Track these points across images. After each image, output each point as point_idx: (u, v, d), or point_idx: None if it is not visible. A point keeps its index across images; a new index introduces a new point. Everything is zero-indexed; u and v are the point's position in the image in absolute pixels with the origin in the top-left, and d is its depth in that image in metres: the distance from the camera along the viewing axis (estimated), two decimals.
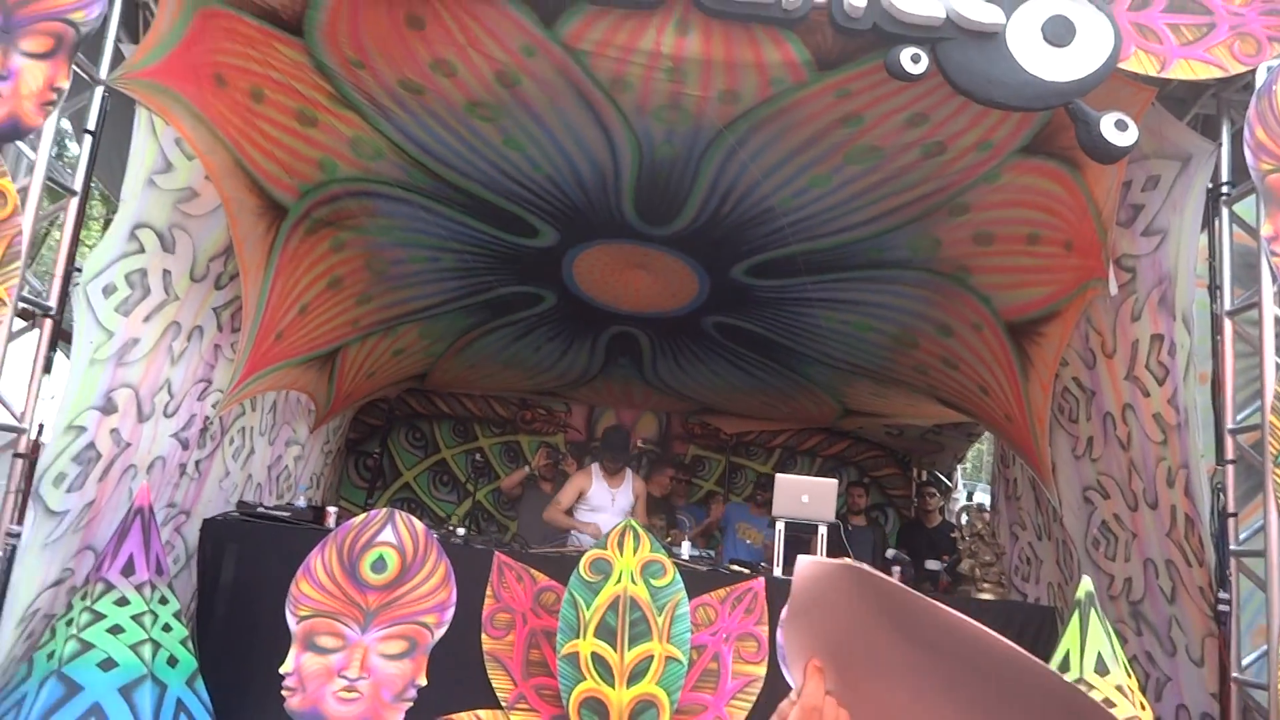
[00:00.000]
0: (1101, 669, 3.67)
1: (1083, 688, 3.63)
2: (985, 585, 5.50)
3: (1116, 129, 3.29)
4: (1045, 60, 3.32)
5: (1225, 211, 3.91)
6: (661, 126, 4.26)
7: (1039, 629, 4.76)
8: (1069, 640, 3.76)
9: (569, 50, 3.81)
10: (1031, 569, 5.96)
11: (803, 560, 0.83)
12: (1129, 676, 3.70)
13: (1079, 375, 4.85)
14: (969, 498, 10.34)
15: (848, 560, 0.83)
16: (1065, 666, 3.76)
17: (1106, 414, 4.63)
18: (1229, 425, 3.79)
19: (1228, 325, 3.86)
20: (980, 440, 8.92)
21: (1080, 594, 3.89)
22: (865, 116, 4.03)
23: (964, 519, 6.38)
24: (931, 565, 6.04)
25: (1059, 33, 3.32)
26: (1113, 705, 3.61)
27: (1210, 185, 3.93)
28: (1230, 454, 3.79)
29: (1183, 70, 3.45)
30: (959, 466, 9.44)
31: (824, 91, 3.88)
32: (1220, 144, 3.90)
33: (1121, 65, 3.38)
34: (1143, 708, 3.65)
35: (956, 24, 3.31)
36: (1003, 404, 5.53)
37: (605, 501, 5.98)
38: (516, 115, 4.31)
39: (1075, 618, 3.76)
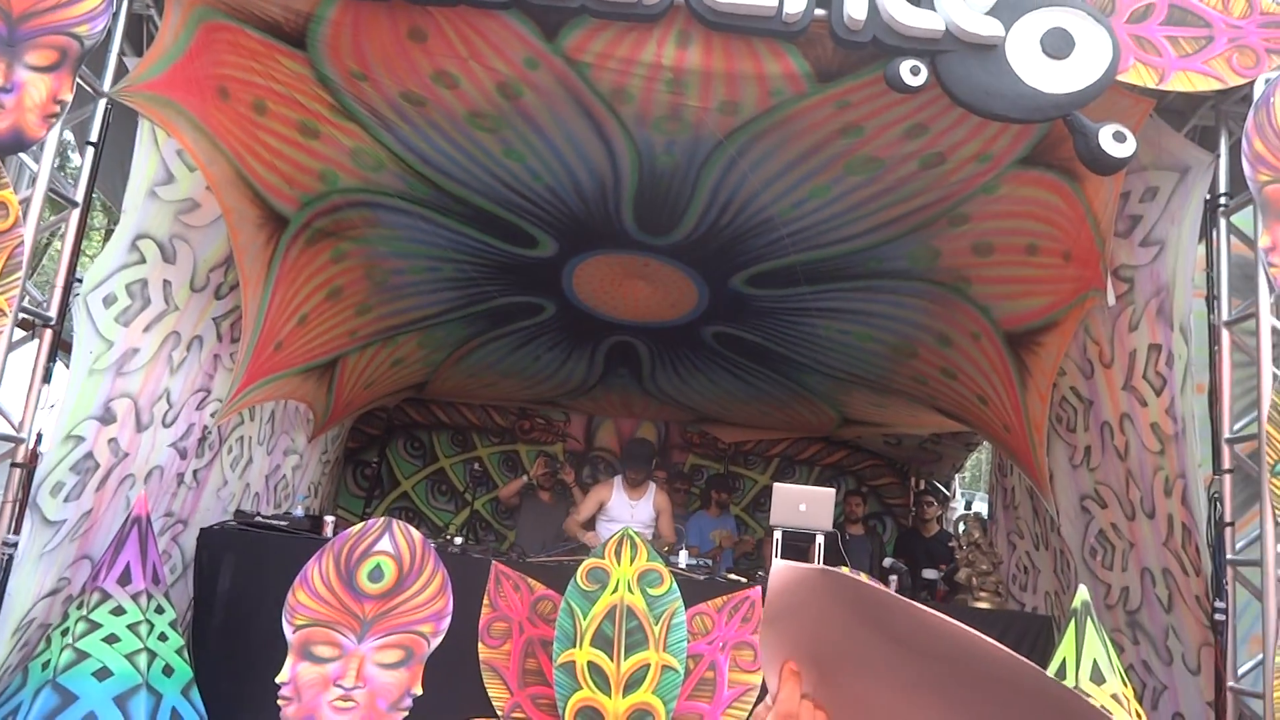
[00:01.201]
0: (1097, 677, 3.68)
1: None
2: (982, 594, 5.51)
3: (1115, 140, 3.31)
4: (1044, 72, 3.34)
5: (1223, 222, 3.93)
6: (662, 137, 4.28)
7: (1036, 638, 4.76)
8: (1065, 649, 3.76)
9: (570, 62, 3.83)
10: (1029, 578, 5.97)
11: (777, 565, 0.84)
12: (1125, 685, 3.71)
13: (1077, 385, 4.86)
14: (967, 507, 10.35)
15: (821, 565, 0.84)
16: (1061, 675, 3.76)
17: (1104, 423, 4.64)
18: (1226, 435, 3.81)
19: (1225, 335, 3.87)
20: (978, 450, 8.93)
21: (1076, 603, 3.90)
22: (865, 127, 4.05)
23: (961, 528, 6.40)
24: (929, 574, 6.05)
25: (1058, 45, 3.34)
26: (1109, 714, 3.61)
27: (1208, 196, 3.95)
28: (1227, 463, 3.80)
29: (1181, 82, 3.47)
30: (957, 476, 9.45)
31: (824, 103, 3.91)
32: (1218, 155, 3.91)
33: (1120, 77, 3.40)
34: (1139, 716, 3.66)
35: (956, 36, 3.34)
36: (1001, 414, 5.55)
37: (624, 514, 5.99)
38: (517, 126, 4.33)
39: (1071, 627, 3.77)
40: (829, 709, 0.84)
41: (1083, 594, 3.89)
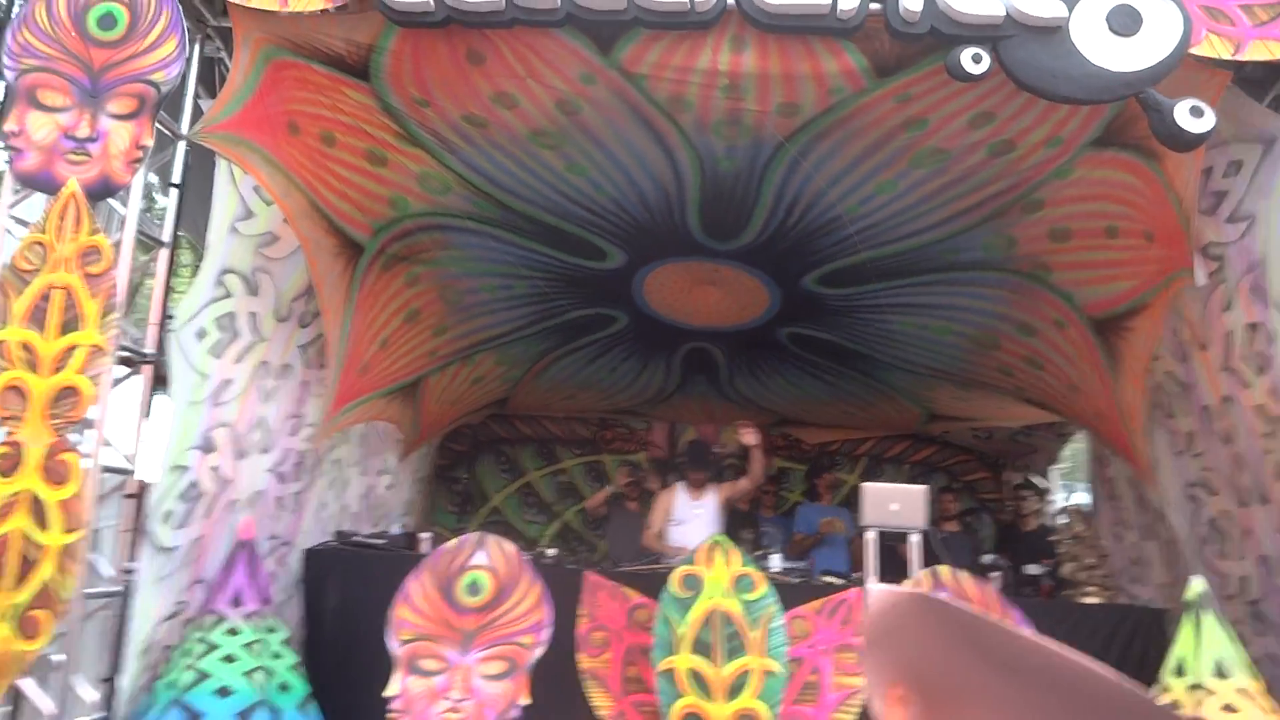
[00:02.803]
0: (1221, 672, 3.53)
1: (1202, 694, 3.50)
2: (1090, 588, 5.32)
3: (1192, 115, 3.17)
4: (1112, 51, 3.22)
5: None
6: (722, 142, 4.27)
7: (1149, 632, 4.58)
8: (1183, 644, 3.62)
9: (627, 75, 3.85)
10: (1140, 570, 5.72)
11: (872, 591, 0.85)
12: (1253, 680, 3.54)
13: (1173, 369, 4.66)
14: (1068, 499, 10.00)
15: (917, 590, 0.83)
16: (1180, 671, 3.62)
17: (1204, 407, 4.44)
18: None
19: None
20: (1075, 440, 8.63)
21: (1190, 595, 3.74)
22: (929, 120, 3.97)
23: (1063, 521, 6.19)
24: (1031, 570, 5.85)
25: (1124, 22, 3.21)
26: (1235, 710, 3.45)
27: None
28: None
29: (1259, 51, 3.30)
30: (1055, 467, 9.15)
31: (884, 98, 3.84)
32: None
33: (1193, 50, 3.25)
34: (1272, 712, 3.48)
35: (1017, 21, 3.24)
36: (1094, 402, 5.35)
37: (688, 515, 5.97)
38: (578, 141, 4.38)
39: (1188, 620, 3.62)
40: None
41: (1197, 585, 3.73)
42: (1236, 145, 3.87)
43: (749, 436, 6.02)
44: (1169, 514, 4.95)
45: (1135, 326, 4.69)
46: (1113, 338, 4.90)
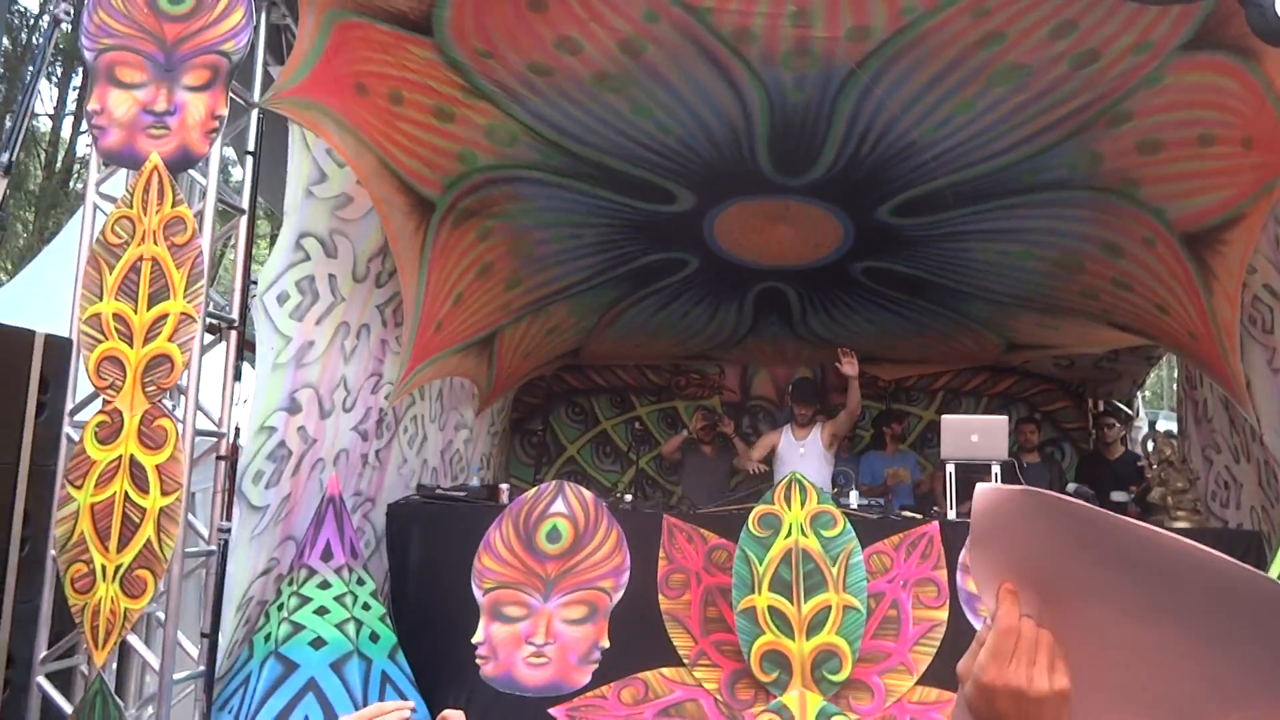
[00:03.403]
0: None
1: None
2: (1180, 513, 5.21)
3: None
4: None
5: None
6: (790, 74, 4.17)
7: (1244, 555, 4.46)
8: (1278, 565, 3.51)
9: (690, 9, 3.77)
10: (1230, 493, 5.57)
11: (980, 488, 0.83)
12: None
13: (1270, 281, 4.47)
14: (1151, 426, 9.75)
15: (1025, 486, 0.81)
16: None
17: None
18: None
19: None
20: (1160, 365, 8.37)
21: None
22: (1007, 34, 3.81)
23: (1151, 446, 6.04)
24: (1118, 497, 5.74)
25: None
26: None
27: None
28: None
29: None
30: (1139, 394, 8.90)
31: (959, 13, 3.70)
32: None
33: None
34: None
35: None
36: (1185, 322, 5.17)
37: (793, 455, 6.02)
38: (643, 83, 4.31)
39: None
40: (1057, 632, 0.81)
41: None
42: None
43: (849, 367, 6.01)
44: (1264, 434, 4.79)
45: (1230, 239, 4.49)
46: (1205, 253, 4.70)
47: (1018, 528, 0.81)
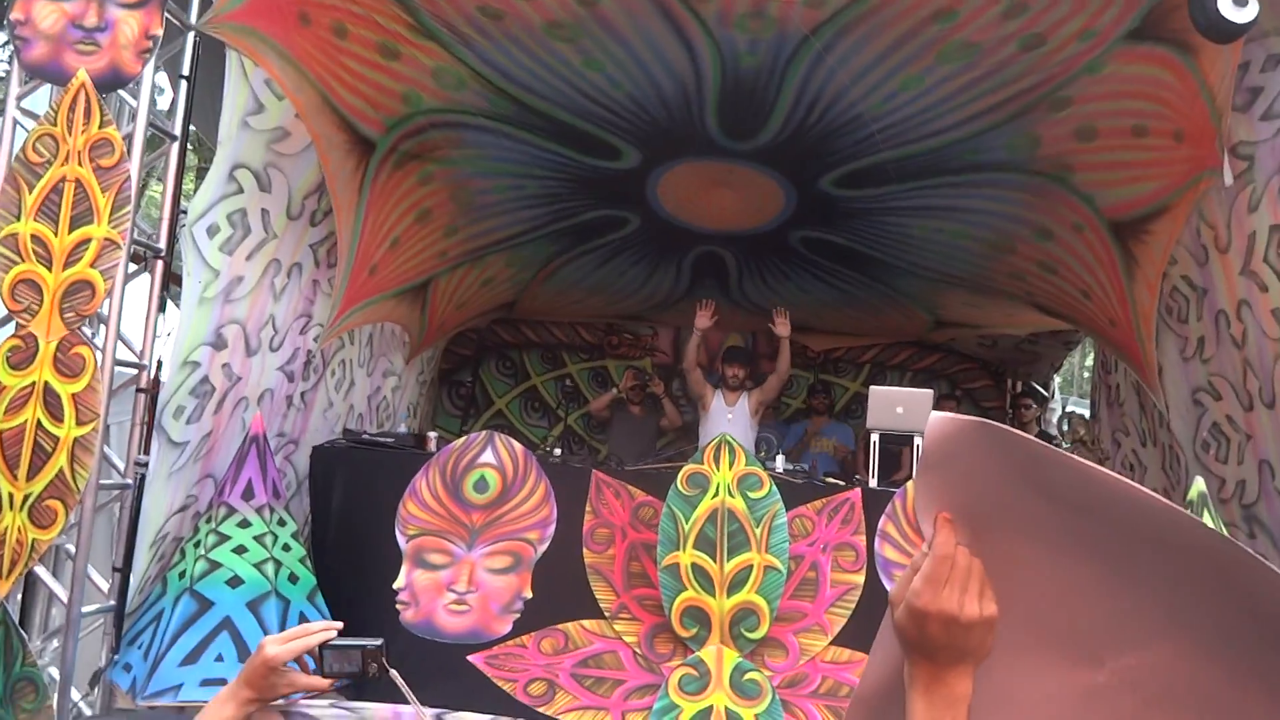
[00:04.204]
0: None
1: None
2: None
3: (1234, 5, 3.09)
4: None
5: None
6: (744, 36, 4.15)
7: None
8: None
9: None
10: (1135, 475, 5.83)
11: (935, 416, 0.84)
12: None
13: (1189, 273, 4.65)
14: (1063, 410, 10.12)
15: (979, 418, 0.83)
16: None
17: (1220, 312, 4.44)
18: None
19: None
20: (1072, 353, 8.67)
21: (1193, 494, 3.80)
22: (959, 11, 3.86)
23: (1065, 426, 6.26)
24: None
25: None
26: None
27: None
28: None
29: None
30: (1054, 378, 9.21)
31: None
32: None
33: None
34: None
35: None
36: (1106, 308, 5.35)
37: (721, 420, 6.10)
38: (596, 34, 4.25)
39: None
40: (985, 563, 0.84)
41: (1199, 485, 3.79)
42: (1277, 39, 3.78)
43: (782, 327, 6.10)
44: (1171, 419, 5.01)
45: (1155, 230, 4.65)
46: (1131, 242, 4.86)
47: (965, 457, 0.83)
